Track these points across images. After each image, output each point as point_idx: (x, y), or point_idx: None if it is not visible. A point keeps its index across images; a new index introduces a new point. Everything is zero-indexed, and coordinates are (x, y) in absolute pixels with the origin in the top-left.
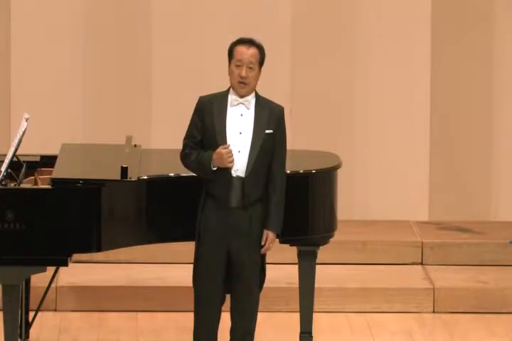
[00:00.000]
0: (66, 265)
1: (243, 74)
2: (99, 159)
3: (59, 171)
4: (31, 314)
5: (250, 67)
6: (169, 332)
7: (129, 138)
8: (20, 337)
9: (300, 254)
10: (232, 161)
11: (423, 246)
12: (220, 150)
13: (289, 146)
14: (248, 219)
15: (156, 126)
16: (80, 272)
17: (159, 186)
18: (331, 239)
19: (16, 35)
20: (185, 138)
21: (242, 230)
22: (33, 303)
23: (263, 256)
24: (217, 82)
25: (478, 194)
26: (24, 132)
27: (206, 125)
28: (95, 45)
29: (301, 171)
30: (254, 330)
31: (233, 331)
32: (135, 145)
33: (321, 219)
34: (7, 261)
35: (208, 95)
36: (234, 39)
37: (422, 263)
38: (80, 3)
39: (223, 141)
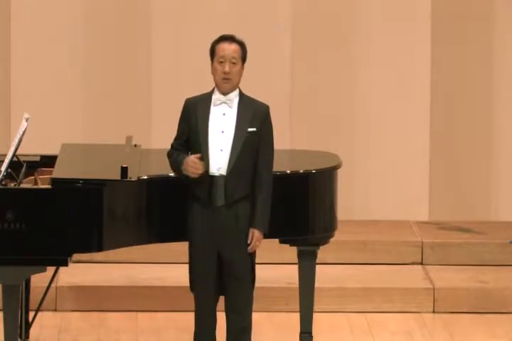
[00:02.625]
0: (66, 265)
1: (226, 69)
2: (99, 159)
3: (59, 171)
4: (31, 314)
5: (233, 63)
6: (169, 332)
7: (129, 138)
8: (20, 337)
9: (300, 254)
10: (194, 173)
11: (423, 246)
12: (189, 157)
13: (288, 146)
14: (234, 218)
15: (156, 126)
16: (79, 272)
17: (159, 186)
18: (331, 239)
19: (16, 35)
20: (173, 140)
21: (229, 229)
22: (33, 303)
23: (252, 254)
24: None
25: (478, 194)
26: (24, 132)
27: (191, 126)
28: (95, 45)
29: (301, 171)
30: (250, 327)
31: (229, 329)
32: (135, 145)
33: (321, 219)
34: (7, 261)
35: (193, 97)
36: None
37: (422, 263)
38: (79, 3)
39: (205, 140)
